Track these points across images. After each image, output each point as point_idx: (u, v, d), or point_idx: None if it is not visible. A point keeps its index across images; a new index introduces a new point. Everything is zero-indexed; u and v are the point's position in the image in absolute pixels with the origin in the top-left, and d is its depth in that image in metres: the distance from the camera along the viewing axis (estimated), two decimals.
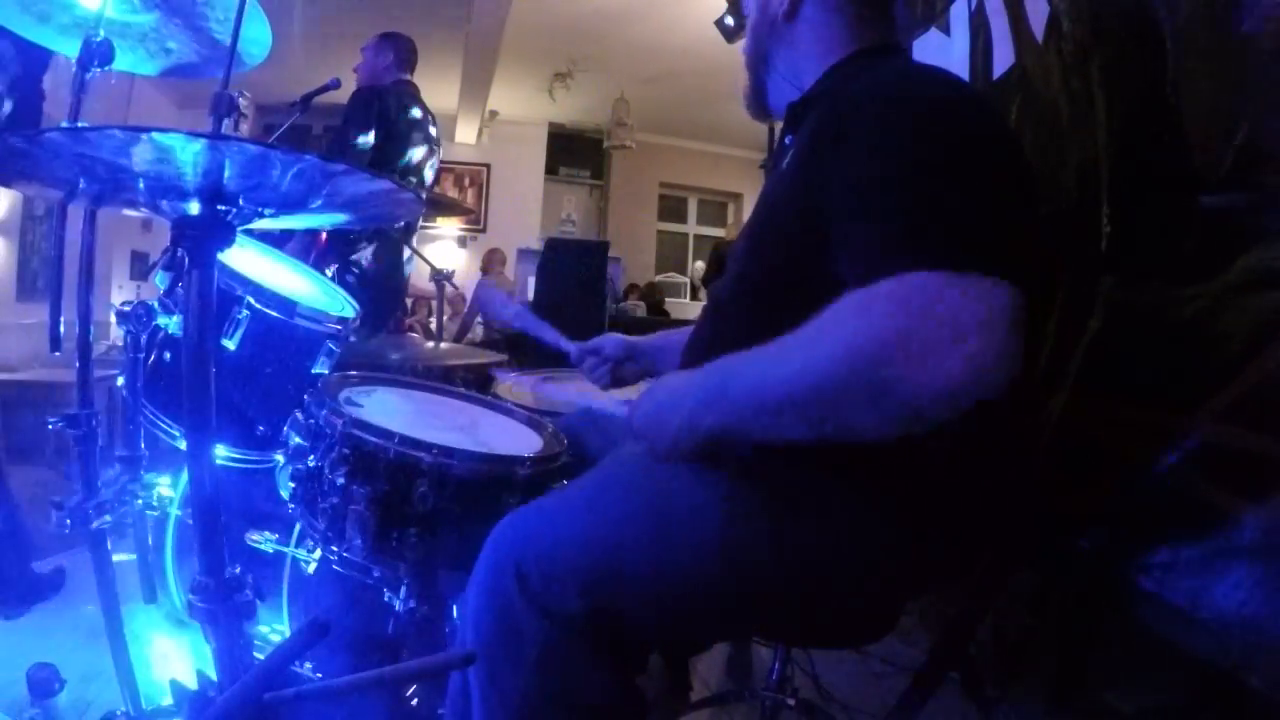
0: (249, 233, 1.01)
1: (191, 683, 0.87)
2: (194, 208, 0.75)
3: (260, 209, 0.80)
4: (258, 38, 1.20)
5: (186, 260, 0.77)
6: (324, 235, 2.60)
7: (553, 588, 0.71)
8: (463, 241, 7.72)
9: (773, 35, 0.95)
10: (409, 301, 5.24)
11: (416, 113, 2.80)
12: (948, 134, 0.70)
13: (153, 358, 1.18)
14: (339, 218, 0.98)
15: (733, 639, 1.02)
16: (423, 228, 6.46)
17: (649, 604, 0.74)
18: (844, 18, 0.91)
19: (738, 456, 0.78)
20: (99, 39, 1.07)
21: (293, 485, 1.05)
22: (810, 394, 0.65)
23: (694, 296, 7.76)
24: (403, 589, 0.98)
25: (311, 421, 1.03)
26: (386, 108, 2.66)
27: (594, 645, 0.71)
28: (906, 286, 0.61)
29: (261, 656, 0.81)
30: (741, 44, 1.03)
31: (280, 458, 1.08)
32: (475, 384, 1.86)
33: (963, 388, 0.59)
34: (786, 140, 0.97)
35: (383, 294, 2.81)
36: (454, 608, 1.03)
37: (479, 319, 6.14)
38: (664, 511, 0.76)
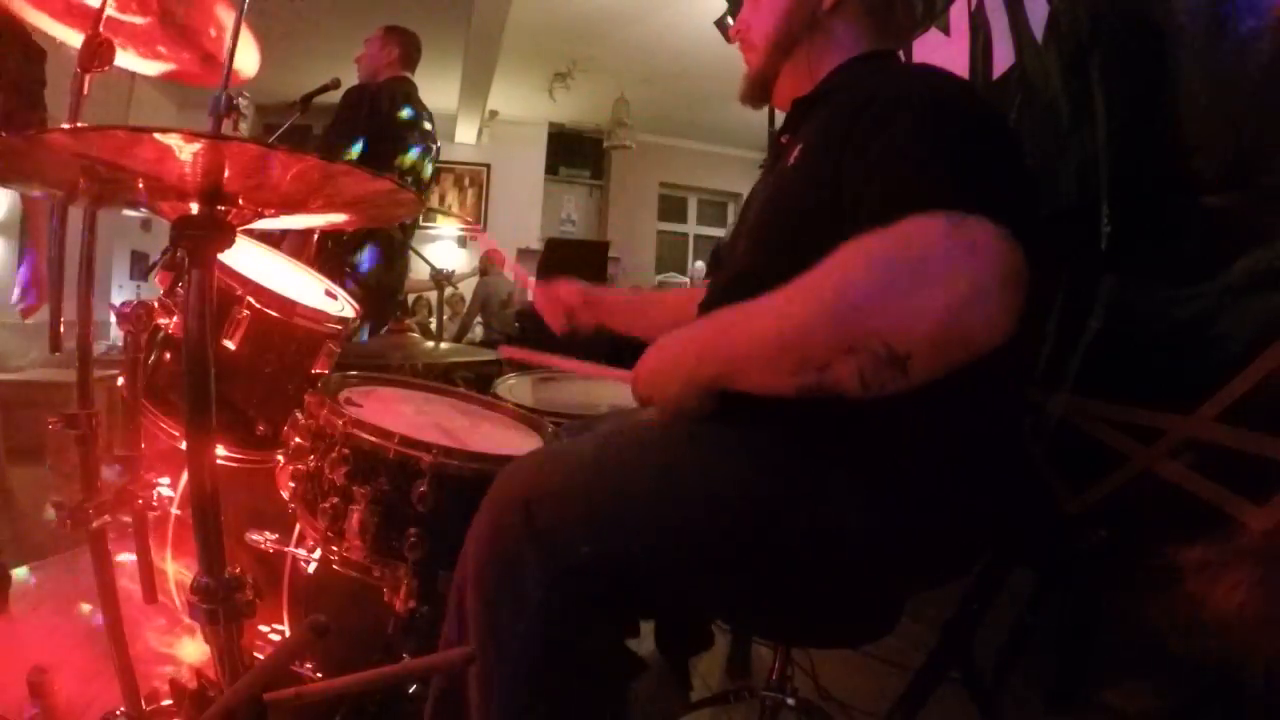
0: (249, 233, 1.01)
1: (191, 683, 0.87)
2: (194, 208, 0.75)
3: (260, 209, 0.80)
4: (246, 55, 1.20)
5: (186, 260, 0.77)
6: (315, 238, 2.59)
7: (559, 528, 0.70)
8: (462, 241, 7.72)
9: (808, 24, 0.93)
10: (410, 300, 5.24)
11: (408, 113, 2.78)
12: (960, 118, 0.73)
13: (153, 358, 1.17)
14: (339, 218, 0.98)
15: (727, 615, 1.01)
16: (422, 228, 6.48)
17: (652, 556, 0.72)
18: (872, 20, 0.93)
19: (751, 423, 0.77)
20: (99, 39, 1.07)
21: (293, 485, 1.05)
22: (798, 336, 0.64)
23: None
24: (403, 589, 0.98)
25: (311, 421, 1.03)
26: (378, 108, 2.66)
27: (598, 593, 0.70)
28: (907, 225, 0.60)
29: (261, 656, 0.81)
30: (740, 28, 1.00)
31: (280, 458, 1.08)
32: (475, 384, 1.86)
33: (945, 330, 0.58)
34: (783, 139, 0.97)
35: (381, 296, 2.81)
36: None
37: (479, 319, 6.16)
38: (673, 467, 0.76)
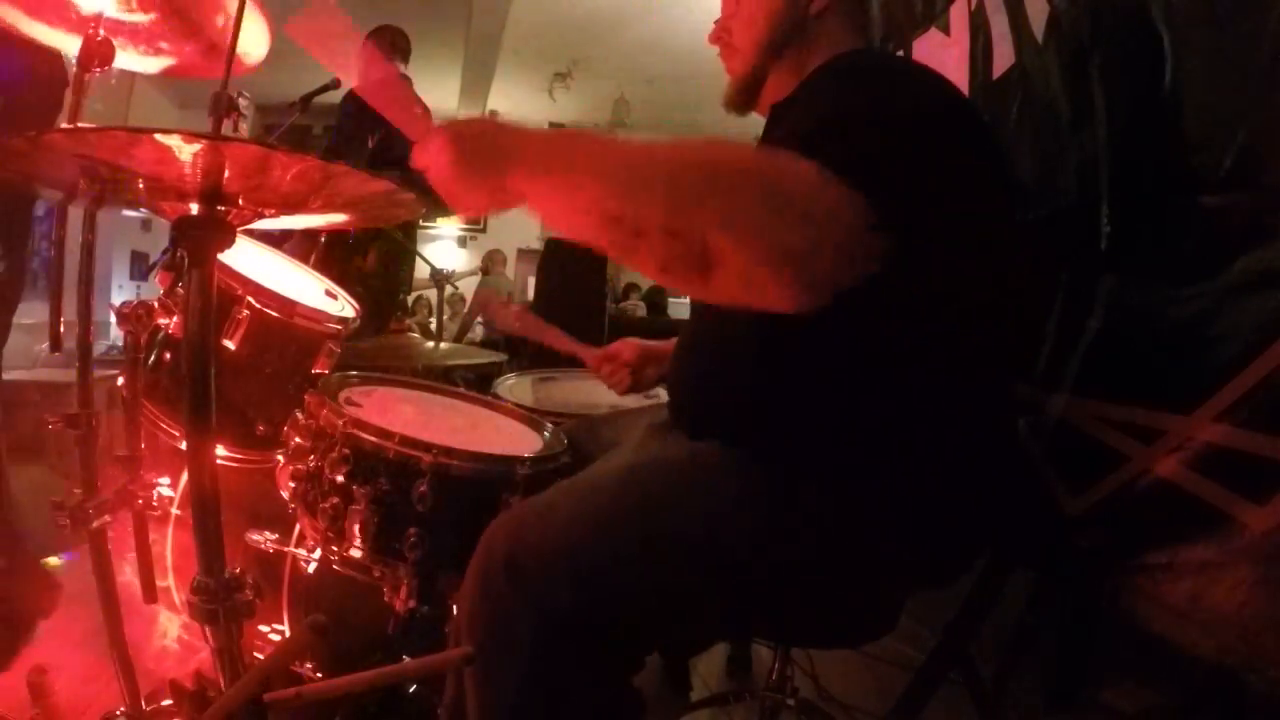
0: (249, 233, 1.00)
1: (191, 683, 0.87)
2: (194, 208, 0.75)
3: (260, 209, 0.80)
4: (255, 38, 1.19)
5: (186, 260, 0.77)
6: (322, 239, 2.59)
7: (544, 581, 0.71)
8: (463, 241, 7.72)
9: (795, 28, 0.92)
10: (410, 300, 5.24)
11: None
12: (900, 102, 0.74)
13: (153, 358, 1.17)
14: (339, 218, 0.98)
15: (727, 637, 1.02)
16: (422, 227, 6.48)
17: (639, 601, 0.73)
18: (852, 21, 0.94)
19: (728, 443, 0.78)
20: (99, 39, 1.07)
21: (293, 485, 1.05)
22: (646, 179, 0.65)
23: None
24: (403, 589, 0.98)
25: (311, 421, 1.03)
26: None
27: (587, 642, 0.71)
28: (792, 160, 0.63)
29: (261, 656, 0.81)
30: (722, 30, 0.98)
31: (280, 458, 1.08)
32: (475, 384, 1.86)
33: (768, 254, 0.61)
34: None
35: (383, 296, 2.81)
36: (454, 608, 1.03)
37: (479, 319, 6.15)
38: (649, 508, 0.76)
